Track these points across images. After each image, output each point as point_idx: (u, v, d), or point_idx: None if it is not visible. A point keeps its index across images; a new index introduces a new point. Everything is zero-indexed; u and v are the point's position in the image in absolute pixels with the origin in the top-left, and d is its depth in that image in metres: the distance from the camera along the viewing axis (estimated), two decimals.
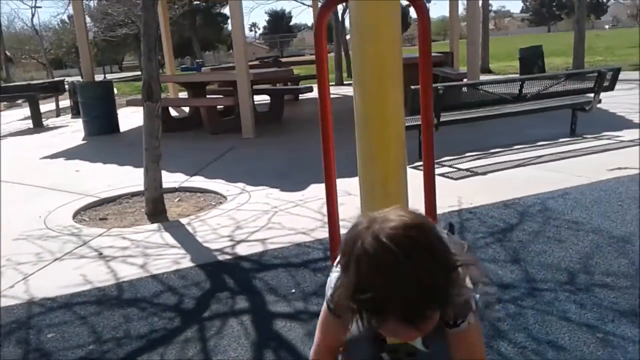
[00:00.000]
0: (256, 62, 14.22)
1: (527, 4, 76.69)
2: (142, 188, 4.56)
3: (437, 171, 4.45)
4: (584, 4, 14.30)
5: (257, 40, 65.43)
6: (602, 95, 6.21)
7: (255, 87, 8.84)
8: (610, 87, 6.24)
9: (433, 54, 2.25)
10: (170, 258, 3.45)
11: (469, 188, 4.51)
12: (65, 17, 39.11)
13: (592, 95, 6.15)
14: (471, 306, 1.28)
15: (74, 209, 4.70)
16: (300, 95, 12.12)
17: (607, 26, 61.93)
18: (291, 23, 66.73)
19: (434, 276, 1.05)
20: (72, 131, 10.24)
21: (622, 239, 3.20)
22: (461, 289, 1.11)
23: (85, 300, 2.94)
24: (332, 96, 2.17)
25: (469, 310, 1.28)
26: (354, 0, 1.71)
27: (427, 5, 2.01)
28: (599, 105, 6.31)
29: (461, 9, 20.33)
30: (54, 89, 13.83)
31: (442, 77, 8.21)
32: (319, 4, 15.74)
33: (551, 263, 2.96)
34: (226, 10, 37.63)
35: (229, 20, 9.36)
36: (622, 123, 6.85)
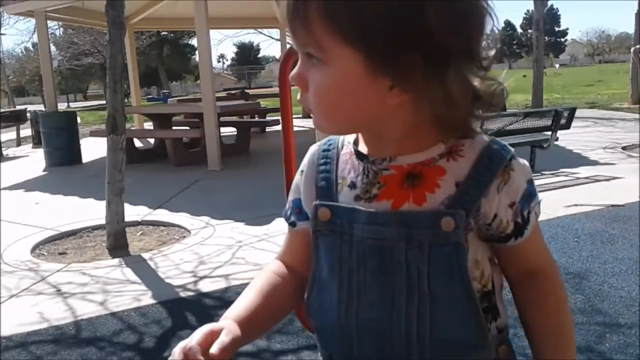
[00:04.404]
0: (224, 94, 14.27)
1: (488, 41, 79.17)
2: (103, 221, 4.49)
3: None
4: (542, 43, 14.86)
5: (225, 71, 65.70)
6: (559, 133, 6.44)
7: (221, 119, 8.85)
8: (567, 126, 6.48)
9: None
10: (131, 295, 3.39)
11: None
12: (29, 44, 38.65)
13: (549, 133, 6.36)
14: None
15: (32, 243, 4.59)
16: (267, 127, 12.19)
17: (557, 65, 64.05)
18: (259, 55, 67.34)
19: None
20: (32, 161, 10.04)
21: (578, 275, 3.29)
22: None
23: (41, 339, 2.87)
24: (297, 129, 2.19)
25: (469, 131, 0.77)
26: None
27: None
28: (556, 143, 6.53)
29: None
30: (16, 118, 13.57)
31: None
32: (287, 38, 15.97)
33: (509, 300, 3.01)
34: (194, 42, 37.81)
35: (197, 52, 9.41)
36: (578, 160, 7.09)
